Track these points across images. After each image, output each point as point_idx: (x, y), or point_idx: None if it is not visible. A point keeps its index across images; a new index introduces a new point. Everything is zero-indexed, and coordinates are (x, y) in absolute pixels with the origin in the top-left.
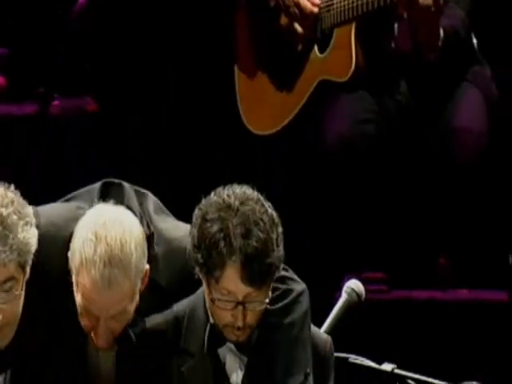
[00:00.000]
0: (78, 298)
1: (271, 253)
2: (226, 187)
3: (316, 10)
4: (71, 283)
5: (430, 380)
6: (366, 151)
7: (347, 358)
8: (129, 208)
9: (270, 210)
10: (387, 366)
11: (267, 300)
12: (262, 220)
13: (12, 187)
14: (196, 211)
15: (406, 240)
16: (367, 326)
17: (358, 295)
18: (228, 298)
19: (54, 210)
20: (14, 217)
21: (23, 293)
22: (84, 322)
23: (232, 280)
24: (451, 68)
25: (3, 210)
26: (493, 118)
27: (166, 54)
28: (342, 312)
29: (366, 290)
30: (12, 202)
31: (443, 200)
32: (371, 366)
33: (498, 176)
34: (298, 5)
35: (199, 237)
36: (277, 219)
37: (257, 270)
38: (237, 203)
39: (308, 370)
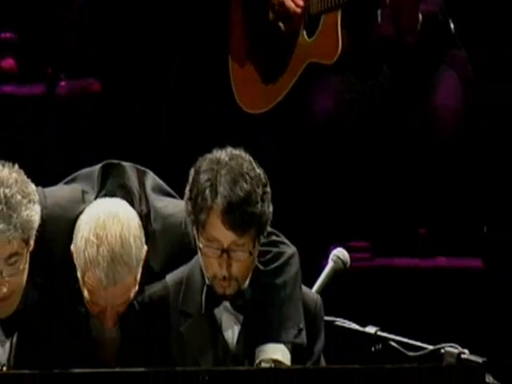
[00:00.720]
0: (85, 293)
1: (254, 204)
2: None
3: (299, 10)
4: (71, 260)
5: (410, 342)
6: (351, 128)
7: (333, 321)
8: (128, 188)
9: (258, 170)
10: (371, 329)
11: (251, 252)
12: (248, 174)
13: (16, 166)
14: (191, 168)
15: (389, 212)
16: (352, 292)
17: (344, 262)
18: (214, 245)
19: (59, 192)
20: (18, 196)
21: (27, 266)
22: (91, 307)
23: (216, 225)
24: (430, 51)
25: (7, 190)
26: (469, 99)
27: (167, 40)
28: (329, 278)
29: (351, 258)
30: (16, 181)
31: (423, 174)
32: (356, 329)
33: (473, 152)
34: (282, 5)
35: (190, 188)
36: (264, 179)
37: (238, 217)
38: (227, 158)
39: (301, 326)
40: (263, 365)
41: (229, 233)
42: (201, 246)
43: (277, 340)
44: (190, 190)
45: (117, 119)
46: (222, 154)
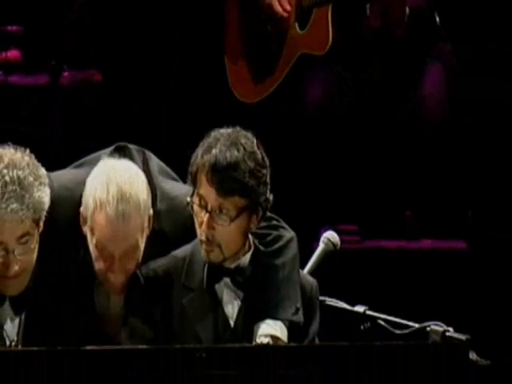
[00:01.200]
0: (94, 242)
1: (242, 173)
2: None
3: (286, 15)
4: (80, 238)
5: (397, 320)
6: (341, 118)
7: (324, 301)
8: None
9: (259, 151)
10: (360, 308)
11: (232, 220)
12: (243, 146)
13: (27, 151)
14: None
15: (377, 196)
16: (342, 273)
17: (334, 245)
18: (202, 204)
19: (65, 175)
20: (30, 178)
21: (37, 245)
22: (99, 265)
23: (202, 182)
24: (417, 44)
25: (20, 172)
26: (454, 91)
27: (166, 34)
28: (320, 259)
29: (341, 241)
30: (28, 164)
31: (409, 161)
32: (345, 308)
33: (458, 139)
34: (271, 8)
35: (194, 154)
36: (263, 161)
37: (221, 178)
38: (230, 131)
39: (298, 305)
40: (262, 339)
41: (212, 191)
42: (193, 204)
43: (275, 317)
44: (193, 156)
45: (117, 108)
46: (229, 129)
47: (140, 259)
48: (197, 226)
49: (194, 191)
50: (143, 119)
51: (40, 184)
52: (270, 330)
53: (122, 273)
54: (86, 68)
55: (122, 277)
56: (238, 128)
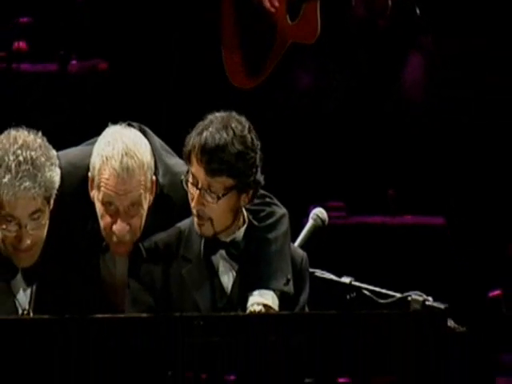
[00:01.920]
0: (100, 198)
1: (229, 155)
2: None
3: (274, 10)
4: (87, 210)
5: (381, 290)
6: (330, 105)
7: (313, 273)
8: None
9: (250, 135)
10: (346, 279)
11: (220, 198)
12: (233, 130)
13: (39, 134)
14: None
15: (362, 176)
16: (330, 246)
17: (322, 220)
18: (194, 182)
19: (72, 153)
20: (42, 158)
21: (47, 222)
22: (105, 220)
23: (194, 162)
24: (400, 35)
25: (33, 153)
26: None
27: (168, 27)
28: (309, 234)
29: (329, 217)
30: (40, 146)
31: (392, 142)
32: (333, 279)
33: (438, 123)
34: (260, 5)
35: (189, 135)
36: (254, 145)
37: (209, 159)
38: (224, 115)
39: (289, 276)
40: (254, 307)
41: (201, 171)
42: (188, 183)
43: (267, 287)
44: (188, 137)
45: (122, 94)
46: (224, 113)
47: (143, 220)
48: (190, 201)
49: (188, 169)
50: (146, 104)
51: (51, 164)
52: (263, 299)
53: (126, 226)
54: (92, 57)
55: (126, 229)
56: (232, 112)
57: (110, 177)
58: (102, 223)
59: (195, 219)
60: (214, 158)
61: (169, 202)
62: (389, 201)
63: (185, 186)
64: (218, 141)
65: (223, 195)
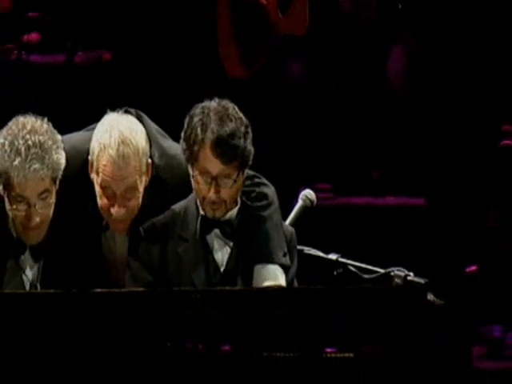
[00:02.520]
0: (99, 182)
1: (238, 139)
2: None
3: (265, 2)
4: (88, 192)
5: (365, 266)
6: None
7: (302, 250)
8: None
9: (241, 114)
10: (333, 256)
11: (235, 180)
12: (233, 115)
13: (45, 119)
14: (187, 115)
15: (347, 159)
16: (318, 225)
17: (311, 201)
18: (205, 174)
19: (74, 137)
20: (49, 142)
21: (54, 201)
22: (103, 202)
23: (206, 156)
24: (384, 29)
25: (41, 137)
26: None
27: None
28: (299, 214)
29: (317, 197)
30: (47, 131)
31: (376, 128)
32: (320, 256)
33: (419, 111)
34: None
35: (185, 130)
36: (246, 122)
37: (225, 148)
38: (215, 104)
39: (285, 250)
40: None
41: (217, 162)
42: (194, 175)
43: (272, 261)
44: (185, 132)
45: (125, 83)
46: (211, 102)
47: (140, 201)
48: (199, 191)
49: (192, 164)
50: (148, 93)
51: (57, 147)
52: (275, 279)
53: (123, 208)
54: (97, 48)
55: (122, 212)
56: (215, 99)
57: (107, 163)
58: (100, 204)
59: (209, 205)
60: (228, 147)
61: (164, 181)
62: (372, 182)
63: (194, 185)
64: (227, 129)
65: (237, 176)
